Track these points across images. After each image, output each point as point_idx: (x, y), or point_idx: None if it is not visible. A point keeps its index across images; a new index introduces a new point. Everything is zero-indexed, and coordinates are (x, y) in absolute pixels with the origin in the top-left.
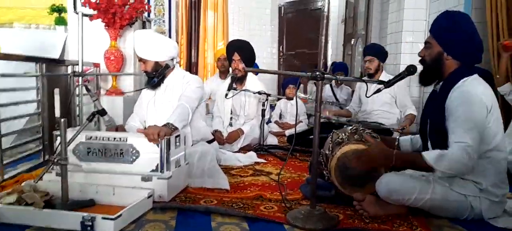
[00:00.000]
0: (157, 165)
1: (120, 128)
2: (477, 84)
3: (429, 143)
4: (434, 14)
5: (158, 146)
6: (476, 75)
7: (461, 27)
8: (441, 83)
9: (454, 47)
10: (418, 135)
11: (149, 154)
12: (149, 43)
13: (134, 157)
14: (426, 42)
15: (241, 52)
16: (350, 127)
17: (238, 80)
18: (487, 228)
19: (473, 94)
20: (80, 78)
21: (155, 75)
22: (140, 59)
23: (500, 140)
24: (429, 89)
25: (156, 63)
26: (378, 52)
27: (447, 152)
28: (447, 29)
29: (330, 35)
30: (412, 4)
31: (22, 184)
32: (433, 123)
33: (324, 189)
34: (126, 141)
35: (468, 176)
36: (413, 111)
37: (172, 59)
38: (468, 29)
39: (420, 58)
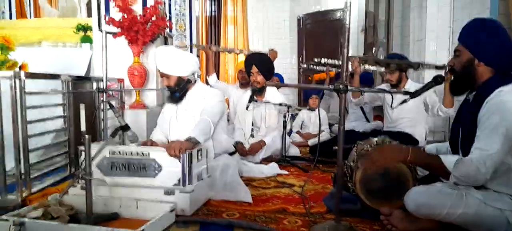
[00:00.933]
0: (179, 179)
1: (149, 142)
2: None
3: (460, 154)
4: (458, 21)
5: (179, 160)
6: None
7: (492, 32)
8: (474, 93)
9: (485, 53)
10: (444, 143)
11: (171, 168)
12: (170, 59)
13: (156, 171)
14: (455, 51)
15: (259, 65)
16: (376, 138)
17: (258, 92)
18: None
19: (508, 102)
20: (104, 94)
21: (177, 90)
22: (163, 75)
23: None
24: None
25: (179, 78)
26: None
27: (466, 157)
28: (476, 34)
29: (350, 45)
30: (435, 11)
31: (48, 198)
32: (464, 134)
33: (349, 202)
34: (149, 155)
35: (502, 189)
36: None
37: (193, 74)
38: (499, 34)
39: (449, 67)
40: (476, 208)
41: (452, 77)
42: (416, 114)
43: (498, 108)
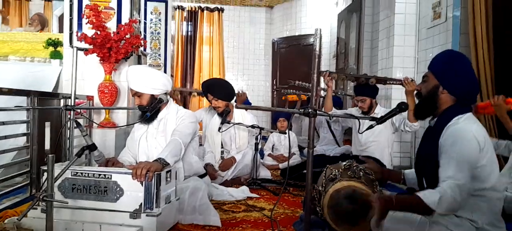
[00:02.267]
0: (141, 204)
1: (112, 161)
2: (471, 122)
3: (423, 179)
4: (422, 51)
5: (142, 184)
6: (470, 114)
7: (459, 65)
8: (435, 119)
9: (450, 82)
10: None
11: (133, 192)
12: (143, 77)
13: (118, 195)
14: (423, 76)
15: (213, 92)
16: (344, 163)
17: (227, 114)
18: None
19: (466, 132)
20: (72, 111)
21: (148, 109)
22: (135, 93)
23: (495, 179)
24: (421, 124)
25: (151, 96)
26: (368, 91)
27: (443, 192)
28: (445, 64)
29: (322, 70)
30: (401, 42)
31: (6, 221)
32: (427, 159)
33: (318, 227)
34: (111, 178)
35: (464, 214)
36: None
37: (165, 94)
38: (466, 67)
39: (416, 91)
40: None
41: (417, 101)
42: (384, 139)
43: (458, 137)
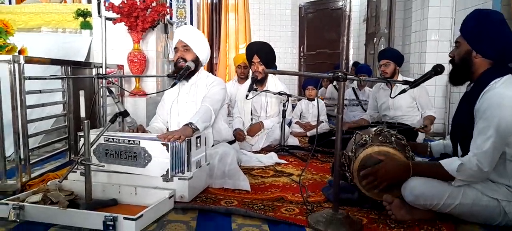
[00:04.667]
0: (167, 170)
1: (140, 128)
2: (510, 85)
3: (458, 147)
4: (461, 11)
5: (167, 150)
6: (508, 76)
7: (490, 25)
8: (472, 84)
9: (482, 45)
10: (448, 141)
11: (160, 158)
12: (198, 35)
13: (146, 161)
14: (456, 42)
15: (261, 54)
16: (374, 128)
17: (259, 82)
18: None
19: (504, 97)
20: (104, 80)
21: (185, 69)
22: (184, 46)
23: None
24: (456, 89)
25: (197, 57)
26: (394, 56)
27: (466, 160)
28: (475, 27)
29: (351, 35)
30: (437, 2)
31: (48, 183)
32: (462, 127)
33: (347, 192)
34: (139, 144)
35: (500, 180)
36: (433, 113)
37: (201, 63)
38: (498, 26)
39: (450, 58)
40: (473, 199)
41: (451, 67)
42: (412, 112)
43: (491, 102)
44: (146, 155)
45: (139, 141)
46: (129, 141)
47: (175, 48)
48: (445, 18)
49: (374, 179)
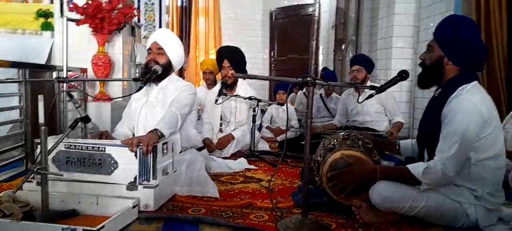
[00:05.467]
0: (135, 177)
1: (105, 134)
2: (476, 93)
3: (425, 151)
4: (425, 19)
5: (136, 156)
6: (475, 83)
7: (465, 34)
8: (439, 89)
9: (456, 53)
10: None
11: (128, 164)
12: (174, 41)
13: (112, 168)
14: (428, 46)
15: (231, 59)
16: (342, 132)
17: (228, 87)
18: None
19: (469, 103)
20: (65, 84)
21: (151, 73)
22: (158, 49)
23: (500, 149)
24: (420, 94)
25: (169, 62)
26: (366, 62)
27: (432, 165)
28: (451, 34)
29: (320, 41)
30: (402, 10)
31: (1, 194)
32: (429, 132)
33: (316, 197)
34: (104, 150)
35: (464, 183)
36: (401, 119)
37: (174, 67)
38: (472, 35)
39: (420, 61)
40: (437, 202)
41: (421, 71)
42: (380, 118)
43: (457, 108)
44: (112, 161)
45: (105, 147)
46: (93, 147)
47: (149, 49)
48: (409, 26)
49: (340, 181)
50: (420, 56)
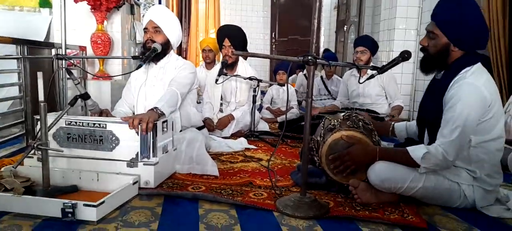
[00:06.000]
0: (137, 153)
1: (105, 112)
2: (480, 75)
3: (426, 132)
4: (427, 1)
5: (137, 133)
6: (478, 65)
7: (470, 18)
8: (442, 72)
9: (462, 39)
10: (413, 121)
11: (129, 141)
12: (170, 17)
13: (113, 144)
14: (430, 32)
15: (231, 38)
16: (343, 113)
17: (229, 67)
18: (479, 217)
19: (474, 87)
20: (64, 61)
21: (150, 52)
22: (154, 28)
23: (501, 131)
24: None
25: (167, 40)
26: (371, 45)
27: (433, 149)
28: (454, 20)
29: (322, 22)
30: None
31: (2, 169)
32: (431, 113)
33: (315, 176)
34: (106, 127)
35: (462, 164)
36: (401, 103)
37: (172, 45)
38: (476, 18)
39: (421, 46)
40: (435, 182)
41: (423, 56)
42: (381, 100)
43: (460, 93)
44: (114, 138)
45: (106, 124)
46: (94, 124)
47: (145, 28)
48: (413, 7)
49: (342, 162)
50: (421, 41)
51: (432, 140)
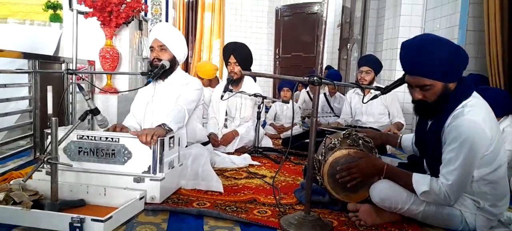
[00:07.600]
0: (149, 166)
1: (120, 126)
2: (479, 109)
3: (424, 161)
4: (430, 21)
5: (150, 147)
6: (475, 95)
7: (443, 48)
8: None
9: (452, 72)
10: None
11: (141, 155)
12: (175, 35)
13: (126, 158)
14: (421, 86)
15: (237, 55)
16: (343, 132)
17: (234, 83)
18: None
19: (474, 124)
20: (74, 76)
21: (159, 68)
22: (160, 46)
23: (501, 160)
24: None
25: (173, 57)
26: (376, 65)
27: (437, 187)
28: (441, 63)
29: (325, 40)
30: (408, 11)
31: (11, 183)
32: (428, 146)
33: (318, 194)
34: (119, 141)
35: (467, 194)
36: (402, 121)
37: (179, 61)
38: (451, 48)
39: (419, 100)
40: (437, 207)
41: (420, 106)
42: (384, 119)
43: (460, 132)
44: (126, 151)
45: (118, 138)
46: (106, 138)
47: (151, 47)
48: (415, 28)
49: (348, 173)
50: (415, 96)
51: (430, 167)
